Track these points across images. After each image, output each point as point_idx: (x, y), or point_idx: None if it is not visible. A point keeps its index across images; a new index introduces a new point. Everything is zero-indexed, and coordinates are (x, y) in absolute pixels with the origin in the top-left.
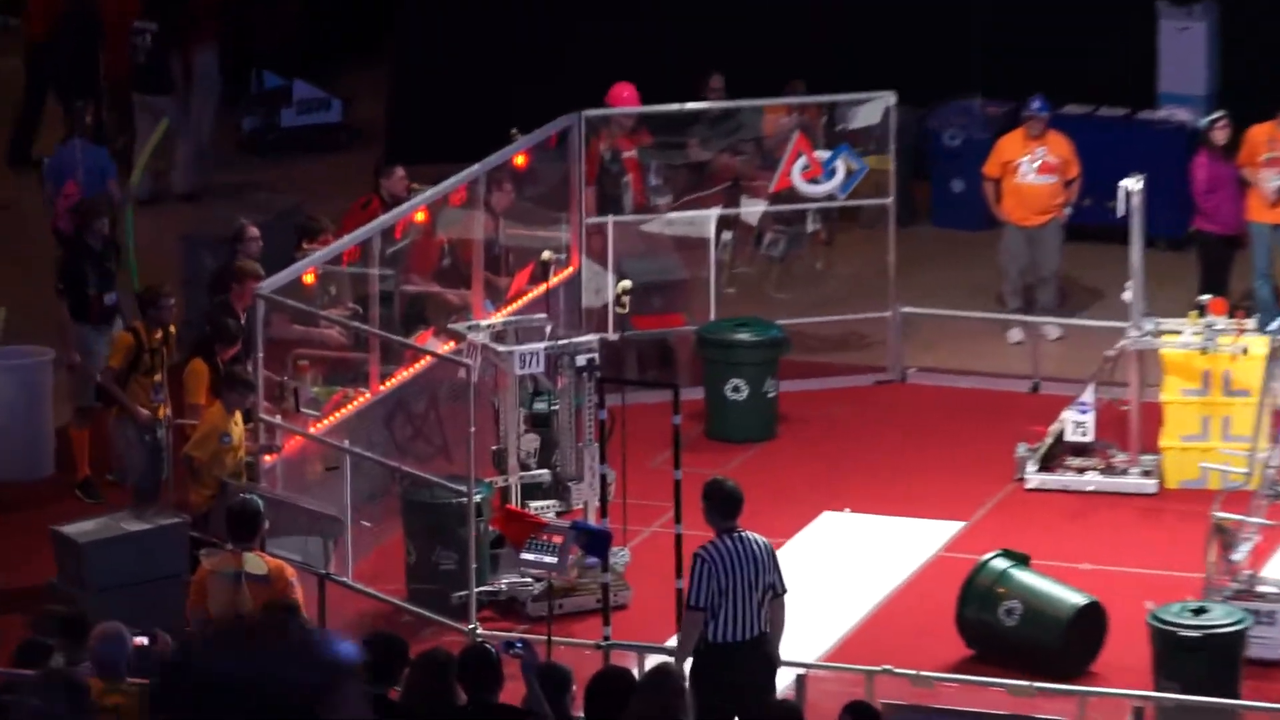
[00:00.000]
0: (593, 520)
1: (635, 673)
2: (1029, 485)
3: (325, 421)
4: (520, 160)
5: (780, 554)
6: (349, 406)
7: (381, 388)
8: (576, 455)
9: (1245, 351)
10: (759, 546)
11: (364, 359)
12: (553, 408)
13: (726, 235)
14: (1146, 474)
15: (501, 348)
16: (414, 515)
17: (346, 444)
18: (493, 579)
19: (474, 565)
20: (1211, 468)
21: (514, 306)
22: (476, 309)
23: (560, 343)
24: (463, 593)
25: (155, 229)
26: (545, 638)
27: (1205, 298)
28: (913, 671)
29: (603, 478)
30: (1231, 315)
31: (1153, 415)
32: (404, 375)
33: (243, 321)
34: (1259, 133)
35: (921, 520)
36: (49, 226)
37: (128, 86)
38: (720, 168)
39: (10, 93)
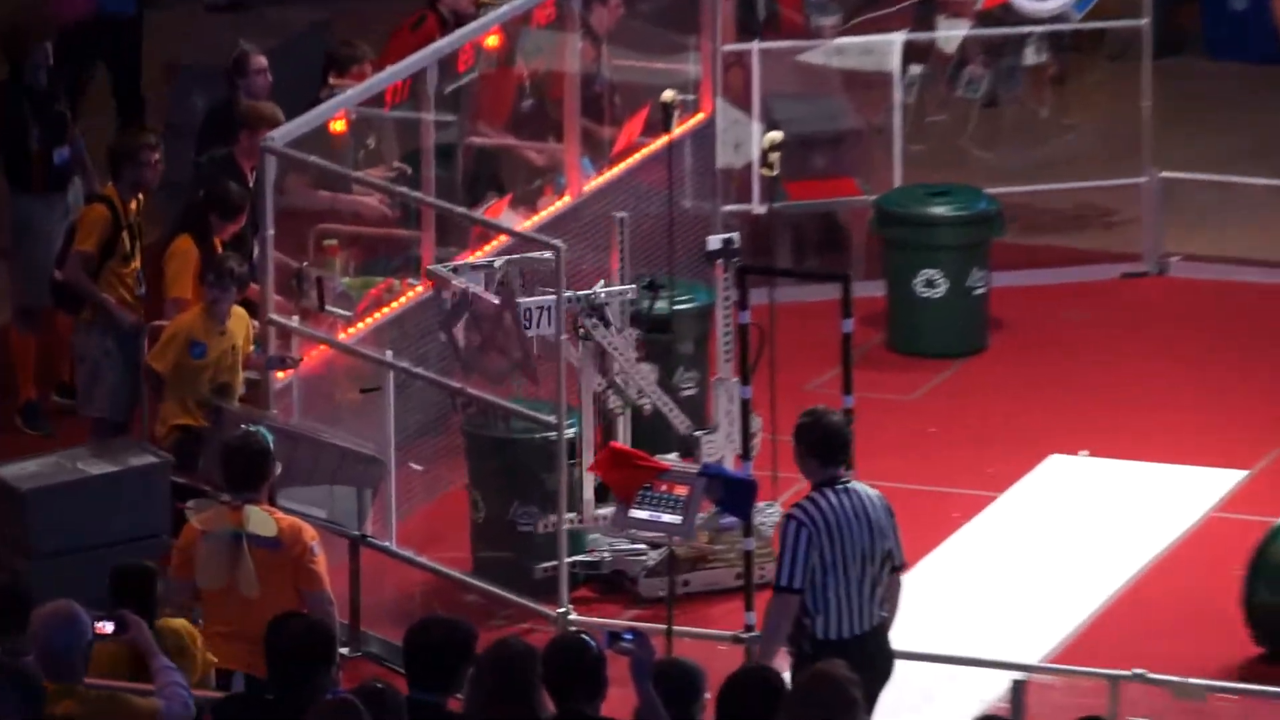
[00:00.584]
0: (730, 465)
1: (786, 675)
2: None
3: (360, 325)
4: None
5: (990, 512)
6: (393, 304)
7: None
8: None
9: None
10: (873, 503)
11: (413, 238)
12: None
13: (916, 69)
14: None
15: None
16: (482, 456)
17: (389, 356)
18: (591, 546)
19: (565, 524)
20: None
21: (621, 167)
22: (570, 169)
23: (588, 293)
24: (549, 564)
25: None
26: (664, 627)
27: None
28: (1176, 678)
29: (744, 405)
30: None
31: None
32: (469, 261)
33: (249, 185)
34: None
35: (1186, 468)
36: None
37: None
38: None
39: None
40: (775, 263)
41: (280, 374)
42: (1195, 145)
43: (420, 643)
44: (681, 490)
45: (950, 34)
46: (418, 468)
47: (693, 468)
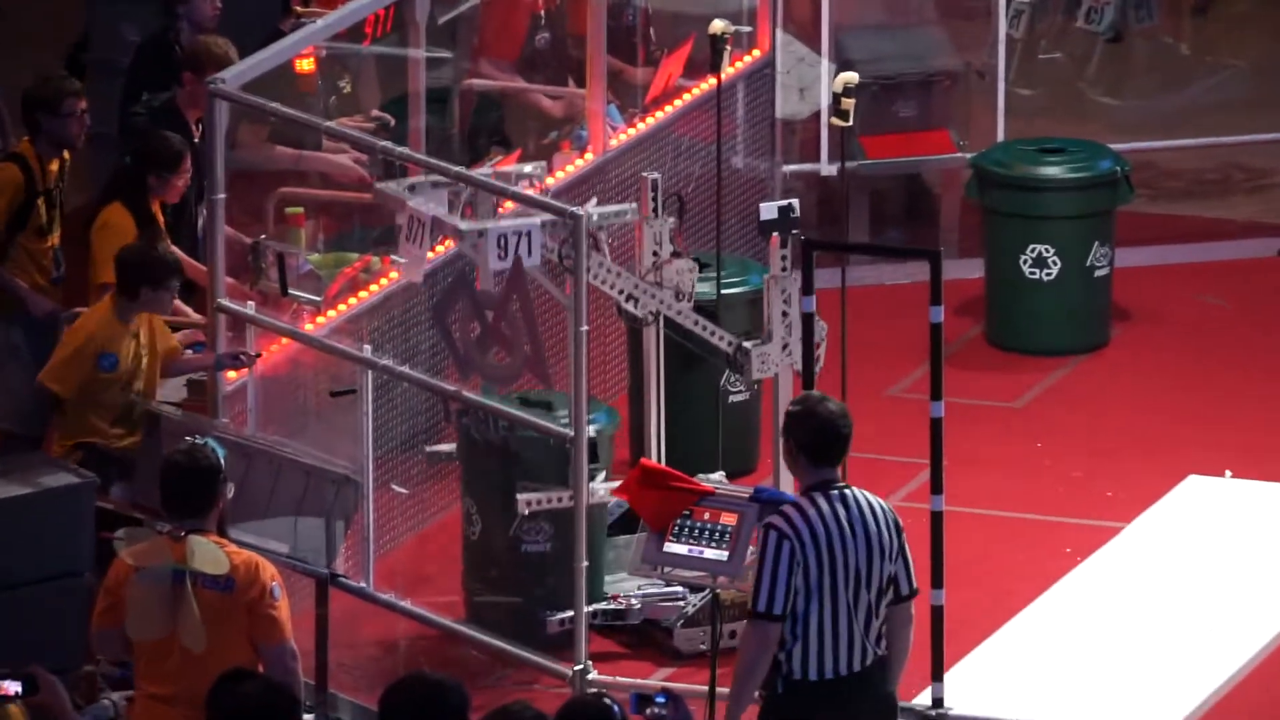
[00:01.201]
0: (789, 383)
1: None
2: None
3: (331, 313)
4: None
5: (1113, 546)
6: (371, 287)
7: (429, 255)
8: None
9: None
10: (874, 513)
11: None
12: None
13: None
14: None
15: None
16: (480, 463)
17: (367, 351)
18: (614, 589)
19: (584, 559)
20: None
21: (657, 117)
22: (593, 120)
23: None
24: (563, 615)
25: None
26: (705, 688)
27: None
28: None
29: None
30: None
31: None
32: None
33: (195, 139)
34: None
35: None
36: None
37: None
38: None
39: None
40: (847, 236)
41: (232, 374)
42: None
43: (400, 706)
44: (729, 519)
45: None
46: (402, 490)
47: (742, 491)
